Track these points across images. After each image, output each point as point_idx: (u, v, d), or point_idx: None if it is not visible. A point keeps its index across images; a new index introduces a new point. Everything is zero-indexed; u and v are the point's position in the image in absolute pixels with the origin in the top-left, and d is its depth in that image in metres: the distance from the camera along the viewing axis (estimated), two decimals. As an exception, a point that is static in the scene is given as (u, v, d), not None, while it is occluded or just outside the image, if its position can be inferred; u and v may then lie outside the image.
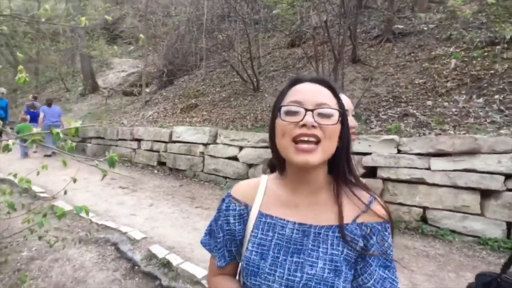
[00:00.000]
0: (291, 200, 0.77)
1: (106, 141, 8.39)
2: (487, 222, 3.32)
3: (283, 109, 0.72)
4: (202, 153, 6.18)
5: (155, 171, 6.94)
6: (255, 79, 7.69)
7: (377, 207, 0.74)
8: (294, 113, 0.71)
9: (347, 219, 0.73)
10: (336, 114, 0.71)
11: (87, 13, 11.12)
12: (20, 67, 1.29)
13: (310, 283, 0.68)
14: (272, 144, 0.79)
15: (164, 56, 10.81)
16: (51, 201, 4.50)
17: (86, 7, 11.31)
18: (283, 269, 0.70)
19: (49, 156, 7.94)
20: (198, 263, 2.81)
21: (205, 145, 6.16)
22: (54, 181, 5.33)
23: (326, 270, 0.69)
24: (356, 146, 4.26)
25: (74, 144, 1.14)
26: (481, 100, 4.56)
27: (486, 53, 5.36)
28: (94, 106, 11.70)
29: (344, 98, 1.13)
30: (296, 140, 0.69)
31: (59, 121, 8.42)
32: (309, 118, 0.69)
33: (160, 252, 2.99)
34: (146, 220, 3.97)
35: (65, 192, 1.67)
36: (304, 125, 0.68)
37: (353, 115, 1.20)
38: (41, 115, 8.35)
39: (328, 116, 0.70)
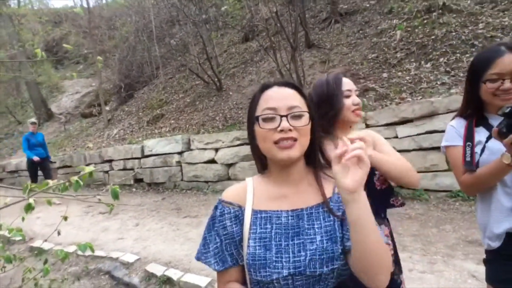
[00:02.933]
0: (279, 192, 0.86)
1: (74, 168, 7.98)
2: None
3: (260, 117, 0.82)
4: (179, 162, 6.10)
5: (133, 189, 6.75)
6: (216, 79, 7.66)
7: None
8: (271, 120, 0.81)
9: (328, 194, 0.85)
10: (306, 114, 0.82)
11: (24, 39, 10.38)
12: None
13: (314, 257, 0.76)
14: (253, 147, 0.89)
15: (118, 70, 10.41)
16: (28, 243, 4.26)
17: (22, 31, 10.52)
18: (288, 254, 0.78)
19: None
20: (199, 272, 2.83)
21: (180, 153, 6.08)
22: (26, 222, 5.02)
23: (324, 241, 0.78)
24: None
25: (67, 184, 1.12)
26: (429, 65, 4.91)
27: (425, 21, 5.76)
28: (52, 135, 11.02)
29: (346, 80, 1.31)
30: (277, 142, 0.80)
31: None
32: (285, 124, 0.79)
33: (157, 270, 2.96)
34: (135, 241, 3.88)
35: (59, 233, 1.61)
36: (281, 130, 0.79)
37: (356, 95, 1.32)
38: None
39: (300, 117, 0.81)
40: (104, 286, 3.05)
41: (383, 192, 1.26)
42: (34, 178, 6.55)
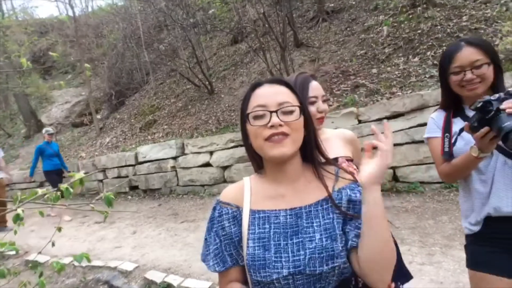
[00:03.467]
0: (276, 192, 0.85)
1: (67, 178, 7.87)
2: (447, 166, 3.69)
3: (251, 115, 0.81)
4: (174, 167, 6.07)
5: (129, 197, 6.68)
6: (207, 82, 7.64)
7: (343, 173, 0.89)
8: (261, 117, 0.80)
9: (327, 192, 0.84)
10: (297, 109, 0.81)
11: (9, 50, 10.22)
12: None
13: (314, 255, 0.75)
14: (247, 146, 0.88)
15: (107, 78, 10.31)
16: (23, 256, 4.18)
17: (7, 43, 10.36)
18: (287, 253, 0.77)
19: None
20: (199, 277, 2.81)
21: (175, 158, 6.05)
22: (19, 235, 4.93)
23: (324, 239, 0.77)
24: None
25: (58, 193, 1.11)
26: (416, 59, 4.98)
27: (410, 16, 5.84)
28: (44, 146, 10.86)
29: (315, 84, 1.24)
30: (268, 139, 0.79)
31: None
32: (275, 119, 0.78)
33: (157, 276, 2.94)
34: (133, 248, 3.84)
35: (53, 244, 1.59)
36: (272, 126, 0.78)
37: (324, 100, 1.25)
38: None
39: (290, 112, 0.80)
40: (103, 297, 3.01)
41: None
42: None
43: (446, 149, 1.23)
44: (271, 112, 0.79)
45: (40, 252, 1.56)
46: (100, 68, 11.28)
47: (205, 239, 0.89)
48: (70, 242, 4.53)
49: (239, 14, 9.04)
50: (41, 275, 1.43)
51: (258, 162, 0.90)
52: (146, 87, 10.35)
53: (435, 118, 1.33)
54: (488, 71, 1.16)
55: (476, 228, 1.21)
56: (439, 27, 5.21)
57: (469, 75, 1.16)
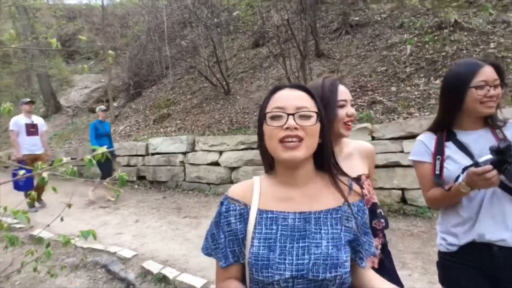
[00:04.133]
0: (286, 194, 0.86)
1: (78, 161, 8.02)
2: (458, 193, 3.61)
3: (268, 115, 0.83)
4: (182, 162, 6.13)
5: (136, 186, 6.77)
6: (224, 83, 7.71)
7: (356, 187, 0.90)
8: (278, 118, 0.81)
9: (339, 202, 0.85)
10: (314, 115, 0.83)
11: (38, 31, 10.55)
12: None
13: (318, 261, 0.76)
14: (261, 147, 0.89)
15: (128, 68, 10.53)
16: (28, 231, 4.28)
17: (36, 24, 10.71)
18: (291, 256, 0.77)
19: None
20: (195, 273, 2.82)
21: (184, 153, 6.10)
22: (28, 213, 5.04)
23: (330, 247, 0.78)
24: (332, 137, 4.45)
25: (75, 167, 1.16)
26: (438, 81, 4.91)
27: (436, 37, 5.78)
28: (59, 127, 11.14)
29: (343, 88, 1.18)
30: (282, 141, 0.79)
31: None
32: (291, 122, 0.79)
33: (154, 267, 2.96)
34: (134, 237, 3.89)
35: (62, 219, 1.63)
36: (287, 128, 0.79)
37: (352, 105, 1.19)
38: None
39: (307, 117, 0.81)
40: (99, 279, 3.05)
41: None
42: (106, 174, 5.48)
43: (437, 172, 1.23)
44: (288, 114, 0.80)
45: (48, 225, 1.60)
46: (121, 57, 11.53)
47: (213, 233, 0.89)
48: (75, 223, 4.61)
49: (262, 19, 9.12)
50: (48, 245, 1.46)
51: (270, 164, 0.91)
52: (164, 80, 10.52)
53: (424, 140, 1.31)
54: (501, 92, 1.18)
55: (454, 248, 1.23)
56: (464, 51, 5.14)
57: (492, 91, 1.16)
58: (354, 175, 1.14)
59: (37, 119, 5.50)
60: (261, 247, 0.80)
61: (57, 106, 12.24)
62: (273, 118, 0.82)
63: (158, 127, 7.83)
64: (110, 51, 2.33)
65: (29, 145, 5.16)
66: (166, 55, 10.00)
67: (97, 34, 12.93)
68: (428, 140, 1.30)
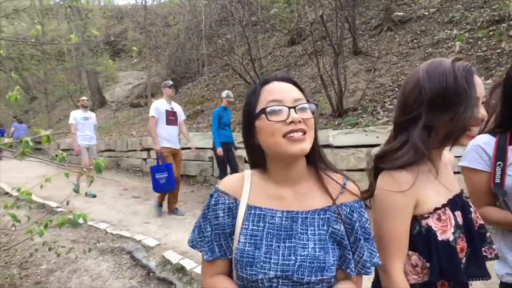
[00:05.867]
0: (277, 191, 0.82)
1: (116, 153, 8.52)
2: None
3: (267, 110, 0.76)
4: (211, 157, 6.20)
5: (166, 179, 6.99)
6: (258, 80, 7.69)
7: (352, 186, 0.83)
8: (278, 112, 0.75)
9: (329, 202, 0.80)
10: (309, 108, 0.78)
11: (88, 31, 11.38)
12: (17, 87, 1.35)
13: (304, 263, 0.73)
14: (249, 144, 0.83)
15: (167, 65, 10.97)
16: (67, 215, 4.59)
17: (87, 25, 11.58)
18: (277, 255, 0.74)
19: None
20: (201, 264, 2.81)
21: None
22: (67, 194, 5.44)
23: (317, 249, 0.75)
24: (364, 138, 4.21)
25: (65, 154, 1.18)
26: (490, 81, 4.43)
27: (491, 32, 5.23)
28: (103, 120, 11.93)
29: (478, 80, 0.83)
30: (285, 136, 0.74)
31: (26, 134, 9.82)
32: (295, 115, 0.74)
33: (174, 258, 3.01)
34: (159, 227, 4.00)
35: (67, 203, 1.69)
36: (291, 122, 0.74)
37: (483, 102, 0.85)
38: (12, 129, 10.53)
39: (306, 109, 0.77)
40: (124, 265, 3.17)
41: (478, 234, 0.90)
42: (223, 172, 4.88)
43: (497, 181, 1.02)
44: (289, 107, 0.75)
45: (70, 210, 1.66)
46: (162, 55, 12.04)
47: (199, 225, 0.86)
48: (107, 210, 4.88)
49: (300, 16, 8.96)
50: (46, 226, 1.52)
51: (261, 161, 0.84)
52: (199, 78, 10.79)
53: (481, 144, 1.08)
54: None
55: None
56: (523, 47, 4.60)
57: None
58: (458, 190, 0.91)
59: (176, 106, 4.60)
60: (247, 244, 0.77)
61: (102, 100, 13.12)
62: (272, 112, 0.75)
63: (191, 123, 8.03)
64: (134, 48, 2.41)
65: (168, 136, 4.34)
66: (203, 53, 10.24)
67: (141, 33, 13.64)
68: (486, 143, 1.07)
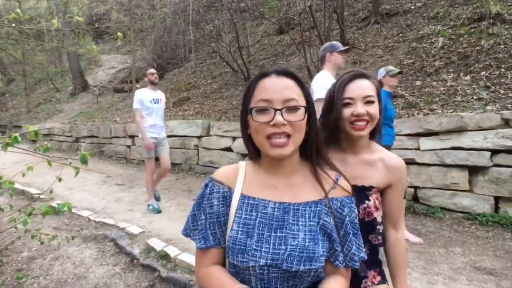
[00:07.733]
0: (270, 182, 0.85)
1: (100, 139, 8.36)
2: (476, 198, 3.41)
3: (254, 109, 0.79)
4: (197, 146, 6.21)
5: (151, 167, 6.95)
6: (245, 69, 7.65)
7: (344, 182, 0.87)
8: (264, 112, 0.78)
9: (321, 195, 0.83)
10: (302, 108, 0.79)
11: (69, 11, 10.88)
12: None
13: (294, 253, 0.75)
14: (245, 135, 0.87)
15: (152, 50, 10.68)
16: (48, 202, 4.53)
17: (68, 4, 11.05)
18: (268, 244, 0.77)
19: None
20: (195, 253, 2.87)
21: (199, 137, 6.18)
22: (50, 182, 5.34)
23: (307, 240, 0.77)
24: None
25: (49, 145, 1.18)
26: (468, 77, 4.60)
27: (472, 30, 5.37)
28: (86, 105, 11.59)
29: (356, 85, 1.07)
30: (269, 137, 0.78)
31: None
32: (279, 118, 0.76)
33: (158, 245, 3.05)
34: (143, 215, 4.02)
35: (51, 191, 1.70)
36: (274, 125, 0.76)
37: (368, 102, 1.10)
38: None
39: (295, 110, 0.78)
40: (107, 252, 3.18)
41: (366, 225, 1.08)
42: None
43: None
44: (275, 110, 0.76)
45: (52, 198, 1.67)
46: (147, 39, 11.69)
47: (194, 214, 0.88)
48: (90, 197, 4.84)
49: (289, 5, 8.87)
50: (29, 214, 1.53)
51: (256, 152, 0.88)
52: (186, 64, 10.59)
53: None
54: None
55: None
56: (502, 46, 4.76)
57: None
58: (366, 184, 1.07)
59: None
60: (240, 232, 0.80)
61: (84, 84, 12.69)
62: (259, 111, 0.78)
63: (176, 110, 7.94)
64: (119, 33, 2.35)
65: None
66: (190, 39, 10.02)
67: (126, 15, 13.15)
68: None
